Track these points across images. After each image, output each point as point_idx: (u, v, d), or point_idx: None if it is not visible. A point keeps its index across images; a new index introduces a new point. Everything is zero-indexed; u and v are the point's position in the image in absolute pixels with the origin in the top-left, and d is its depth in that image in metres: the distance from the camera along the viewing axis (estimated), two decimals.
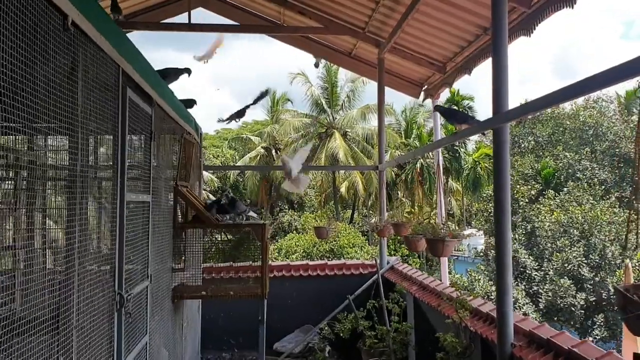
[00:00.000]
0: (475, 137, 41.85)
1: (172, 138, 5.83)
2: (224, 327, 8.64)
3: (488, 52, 7.04)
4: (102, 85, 3.28)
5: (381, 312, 7.25)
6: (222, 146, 43.40)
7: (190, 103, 6.93)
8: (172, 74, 5.85)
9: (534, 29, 5.89)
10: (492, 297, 21.88)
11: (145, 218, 4.42)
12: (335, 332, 7.67)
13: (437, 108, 6.65)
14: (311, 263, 9.21)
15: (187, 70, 6.05)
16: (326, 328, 7.98)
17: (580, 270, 20.95)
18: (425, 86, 9.55)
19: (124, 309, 3.61)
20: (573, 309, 20.60)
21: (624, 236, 21.05)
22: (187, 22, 8.73)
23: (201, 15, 9.37)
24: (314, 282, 8.95)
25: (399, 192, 36.69)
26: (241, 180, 38.52)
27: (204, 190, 35.99)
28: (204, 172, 36.00)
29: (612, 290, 19.14)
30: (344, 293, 8.38)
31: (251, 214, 5.81)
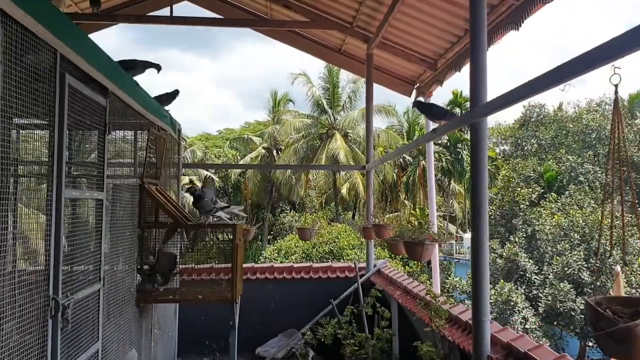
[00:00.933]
0: None
1: (139, 133, 5.54)
2: (203, 331, 8.33)
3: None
4: (32, 71, 2.98)
5: (360, 318, 6.94)
6: (224, 146, 43.20)
7: (173, 95, 6.60)
8: (140, 66, 5.54)
9: (523, 21, 5.59)
10: (491, 301, 21.55)
11: (97, 216, 4.12)
12: (318, 337, 7.36)
13: (415, 103, 6.32)
14: (295, 265, 8.91)
15: (157, 66, 5.75)
16: (309, 333, 7.67)
17: (580, 274, 20.59)
18: (417, 84, 9.24)
19: (62, 316, 3.31)
20: (573, 313, 20.23)
21: (624, 240, 20.63)
22: (169, 14, 8.44)
23: (185, 9, 9.10)
24: (299, 284, 8.64)
25: (400, 194, 36.42)
26: (242, 180, 38.24)
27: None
28: (204, 172, 36.06)
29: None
30: (329, 297, 8.08)
31: (220, 214, 5.50)
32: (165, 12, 8.73)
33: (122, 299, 4.87)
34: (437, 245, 5.12)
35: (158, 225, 5.62)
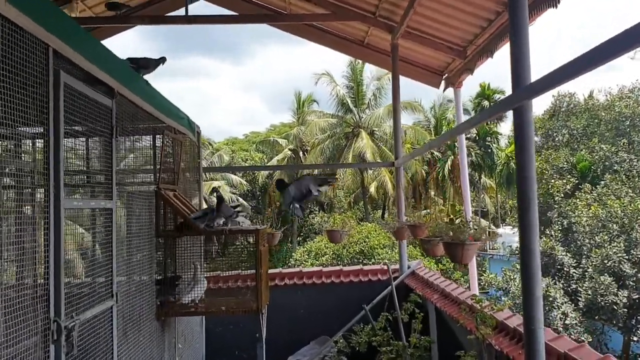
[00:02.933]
0: (507, 131, 40.68)
1: (154, 136, 5.22)
2: (232, 341, 7.99)
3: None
4: (20, 68, 2.66)
5: (396, 325, 6.51)
6: (250, 150, 43.12)
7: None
8: (153, 65, 5.21)
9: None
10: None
11: (107, 227, 3.80)
12: (352, 345, 6.96)
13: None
14: (325, 270, 8.49)
15: (162, 59, 5.40)
16: (341, 341, 7.26)
17: (621, 266, 19.77)
18: (446, 74, 8.78)
19: (66, 339, 2.99)
20: (615, 307, 19.44)
21: None
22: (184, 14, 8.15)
23: (198, 8, 8.81)
24: (329, 290, 8.23)
25: (431, 191, 35.77)
26: (270, 183, 38.03)
27: (233, 194, 35.79)
28: (233, 176, 35.92)
29: None
30: (361, 301, 7.68)
31: (240, 218, 5.15)
32: (180, 12, 8.47)
33: (140, 313, 4.54)
34: (477, 245, 4.68)
35: (176, 234, 5.29)
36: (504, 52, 6.89)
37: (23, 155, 2.95)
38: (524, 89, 3.36)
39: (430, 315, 6.51)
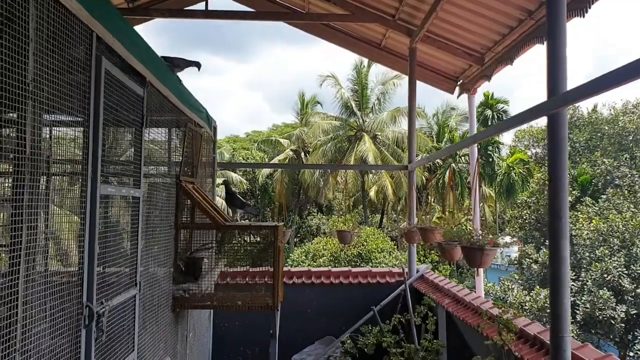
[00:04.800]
0: (509, 141, 40.77)
1: (176, 128, 5.21)
2: (238, 337, 7.98)
3: (533, 38, 6.31)
4: (66, 51, 2.65)
5: (409, 328, 6.51)
6: (251, 148, 43.07)
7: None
8: (182, 64, 5.24)
9: (590, 6, 5.13)
10: (526, 308, 20.89)
11: (134, 216, 3.79)
12: (359, 346, 6.96)
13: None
14: (334, 270, 8.49)
15: (196, 64, 5.43)
16: (348, 341, 7.26)
17: (620, 281, 19.79)
18: (461, 80, 8.79)
19: (96, 325, 2.98)
20: (613, 321, 19.46)
21: None
22: (203, 9, 8.15)
23: (216, 3, 8.82)
24: (337, 290, 8.22)
25: (430, 197, 35.75)
26: (270, 182, 38.02)
27: None
28: (233, 174, 35.90)
29: None
30: (368, 303, 7.68)
31: (249, 209, 5.18)
32: (199, 7, 8.48)
33: (158, 304, 4.54)
34: (495, 251, 4.68)
35: (195, 226, 5.29)
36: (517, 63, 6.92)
37: (64, 141, 2.93)
38: (561, 96, 3.36)
39: (439, 318, 6.52)
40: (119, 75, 3.31)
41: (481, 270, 7.82)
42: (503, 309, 4.40)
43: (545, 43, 5.12)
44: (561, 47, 3.46)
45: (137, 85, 3.74)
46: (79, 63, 2.79)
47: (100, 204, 3.08)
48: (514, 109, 37.02)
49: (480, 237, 4.74)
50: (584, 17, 5.28)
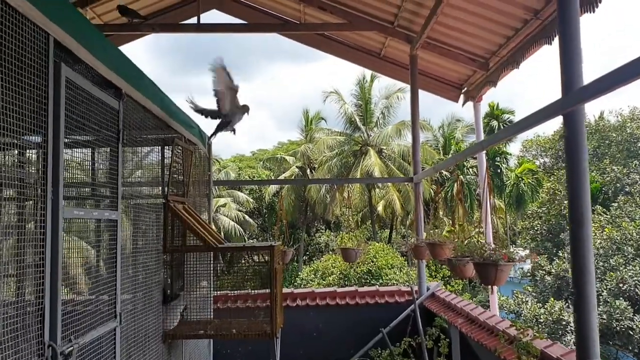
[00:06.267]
0: (516, 152, 40.36)
1: (162, 144, 4.89)
2: None
3: (540, 39, 5.97)
4: (15, 57, 2.33)
5: (420, 351, 6.09)
6: (257, 167, 42.88)
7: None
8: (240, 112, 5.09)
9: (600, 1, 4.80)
10: (541, 321, 20.32)
11: (111, 241, 3.45)
12: None
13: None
14: (339, 290, 8.09)
15: (246, 108, 5.23)
16: None
17: (637, 290, 19.27)
18: (465, 87, 8.46)
19: None
20: (631, 332, 18.92)
21: None
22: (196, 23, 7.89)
23: (210, 17, 8.58)
24: (343, 311, 7.81)
25: (439, 211, 35.26)
26: (277, 200, 37.72)
27: (239, 211, 35.43)
28: (239, 193, 35.60)
29: None
30: (377, 324, 7.26)
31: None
32: (192, 22, 8.24)
33: (146, 336, 4.17)
34: (510, 266, 4.30)
35: (186, 249, 4.94)
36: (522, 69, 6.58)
37: (18, 159, 2.61)
38: (577, 92, 3.02)
39: (453, 340, 6.10)
40: (86, 85, 2.98)
41: (495, 287, 7.43)
42: (522, 329, 4.01)
43: (557, 37, 4.79)
44: (574, 39, 3.13)
45: (111, 97, 3.42)
46: (32, 70, 2.46)
47: (67, 227, 2.76)
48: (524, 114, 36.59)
49: (494, 251, 4.36)
50: (594, 12, 4.97)
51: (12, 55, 2.30)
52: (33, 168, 2.60)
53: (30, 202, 2.58)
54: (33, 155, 2.60)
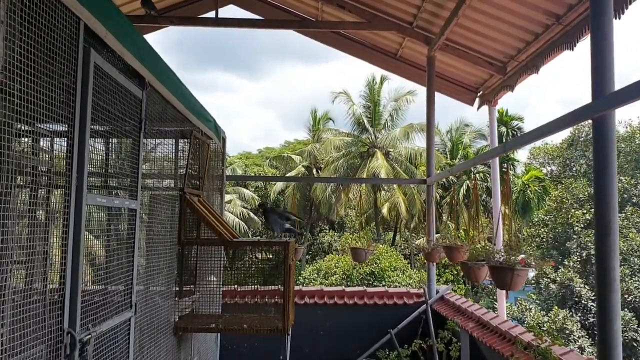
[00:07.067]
0: (524, 159, 40.22)
1: (179, 136, 4.87)
2: None
3: (561, 44, 5.92)
4: (46, 39, 2.31)
5: (430, 354, 6.05)
6: (263, 165, 42.87)
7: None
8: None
9: (627, 6, 4.74)
10: (544, 328, 20.23)
11: (129, 230, 3.42)
12: None
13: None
14: (348, 289, 8.04)
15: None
16: None
17: None
18: (481, 91, 8.41)
19: (80, 354, 2.60)
20: (635, 344, 18.80)
21: None
22: (214, 17, 7.87)
23: (227, 12, 8.56)
24: (351, 311, 7.77)
25: (444, 215, 35.16)
26: (282, 199, 37.72)
27: (244, 208, 35.40)
28: (245, 190, 35.58)
29: None
30: (385, 326, 7.23)
31: (288, 225, 4.86)
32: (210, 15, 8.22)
33: (158, 327, 4.15)
34: (527, 271, 4.26)
35: (200, 242, 4.91)
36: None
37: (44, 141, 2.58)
38: (608, 97, 2.97)
39: (463, 344, 6.05)
40: (113, 72, 2.96)
41: (502, 292, 7.38)
42: (538, 335, 3.97)
43: (579, 43, 4.75)
44: (607, 41, 3.09)
45: (135, 87, 3.39)
46: (61, 54, 2.44)
47: (89, 215, 2.73)
48: (528, 127, 36.50)
49: (510, 256, 4.32)
50: (619, 18, 4.92)
51: (45, 38, 2.28)
52: (58, 155, 2.57)
53: (57, 190, 2.56)
54: (58, 144, 2.56)
